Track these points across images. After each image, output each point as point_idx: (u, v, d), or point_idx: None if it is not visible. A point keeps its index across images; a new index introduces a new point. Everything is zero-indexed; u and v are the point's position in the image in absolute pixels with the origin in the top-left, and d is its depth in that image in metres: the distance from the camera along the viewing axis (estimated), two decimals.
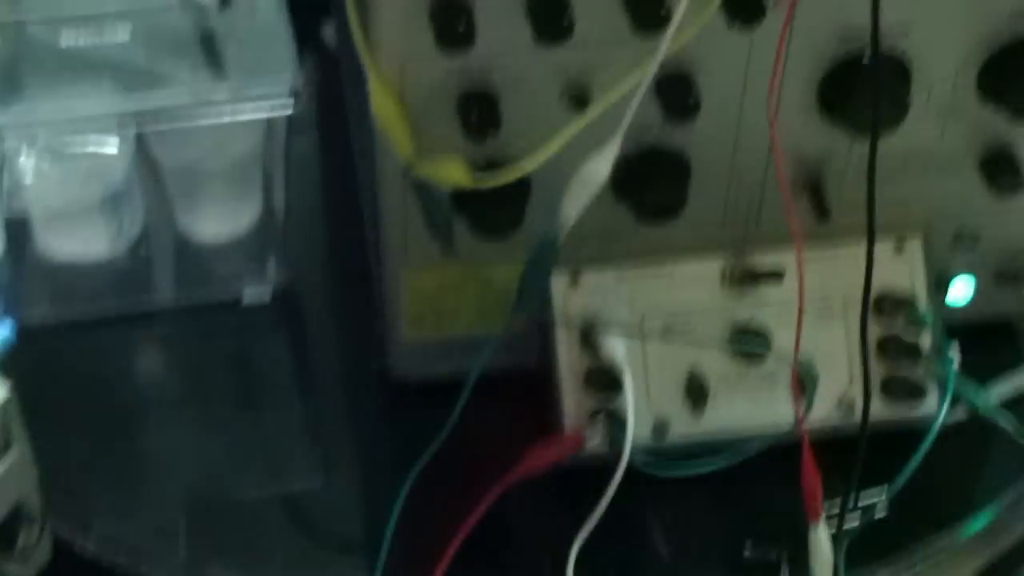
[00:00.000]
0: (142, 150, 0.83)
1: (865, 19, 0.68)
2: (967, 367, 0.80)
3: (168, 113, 0.78)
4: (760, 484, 0.79)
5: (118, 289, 0.88)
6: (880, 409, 0.80)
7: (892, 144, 0.77)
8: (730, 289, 0.80)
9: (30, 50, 0.80)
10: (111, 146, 0.80)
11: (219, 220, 0.88)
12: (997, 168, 0.79)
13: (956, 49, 0.75)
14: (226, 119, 0.79)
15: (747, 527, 0.79)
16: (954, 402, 0.80)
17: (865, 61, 0.74)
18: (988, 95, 0.76)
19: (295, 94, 0.79)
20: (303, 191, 0.94)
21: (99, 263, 0.87)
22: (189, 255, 0.89)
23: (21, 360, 0.71)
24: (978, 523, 0.81)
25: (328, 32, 1.05)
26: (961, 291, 0.86)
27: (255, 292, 0.89)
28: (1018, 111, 0.76)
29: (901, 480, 0.77)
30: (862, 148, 0.74)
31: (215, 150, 0.83)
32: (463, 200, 0.74)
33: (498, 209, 0.74)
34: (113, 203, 0.84)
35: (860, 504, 0.76)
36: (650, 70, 0.68)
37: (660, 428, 0.80)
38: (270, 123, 0.83)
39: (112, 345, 0.88)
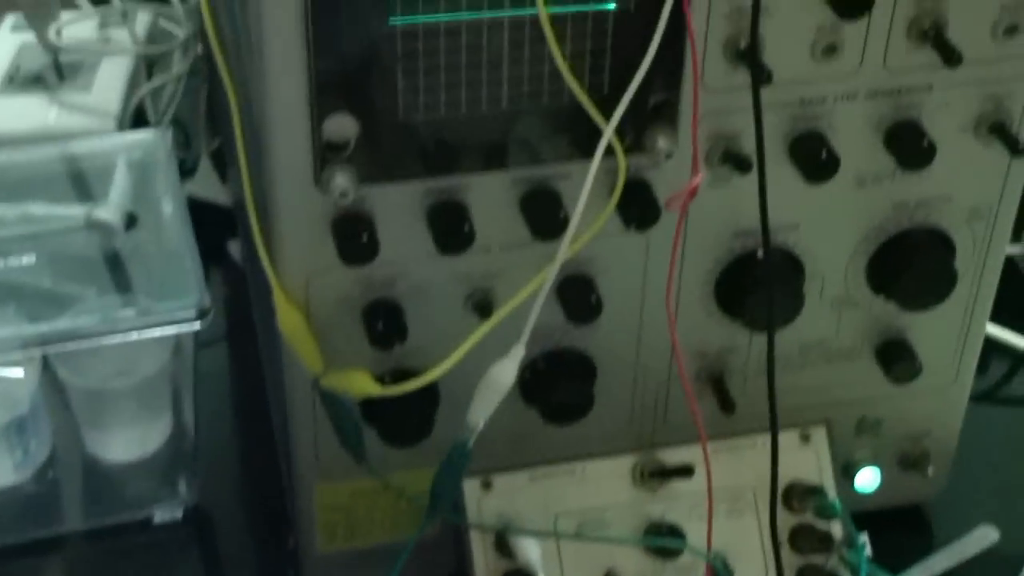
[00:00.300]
0: (48, 372, 0.82)
1: (756, 217, 0.70)
2: (879, 553, 0.81)
3: (74, 335, 0.78)
4: None
5: (25, 516, 0.86)
6: None
7: (790, 336, 0.79)
8: (642, 485, 0.81)
9: None
10: (16, 371, 0.79)
11: (128, 440, 0.87)
12: (893, 356, 0.81)
13: (844, 242, 0.78)
14: (133, 339, 0.79)
15: None
16: None
17: (759, 257, 0.76)
18: (878, 286, 0.79)
19: (202, 312, 0.79)
20: (213, 405, 0.94)
21: (3, 491, 0.85)
22: (98, 477, 0.87)
23: None
24: None
25: (235, 247, 1.06)
26: (868, 478, 0.87)
27: (167, 511, 0.88)
28: (907, 301, 0.78)
29: None
30: (762, 341, 0.76)
31: (123, 370, 0.83)
32: (372, 410, 0.75)
33: (407, 417, 0.75)
34: (18, 428, 0.83)
35: None
36: (550, 275, 0.70)
37: None
38: (178, 340, 0.83)
39: (19, 573, 0.86)
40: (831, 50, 0.71)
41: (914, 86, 0.73)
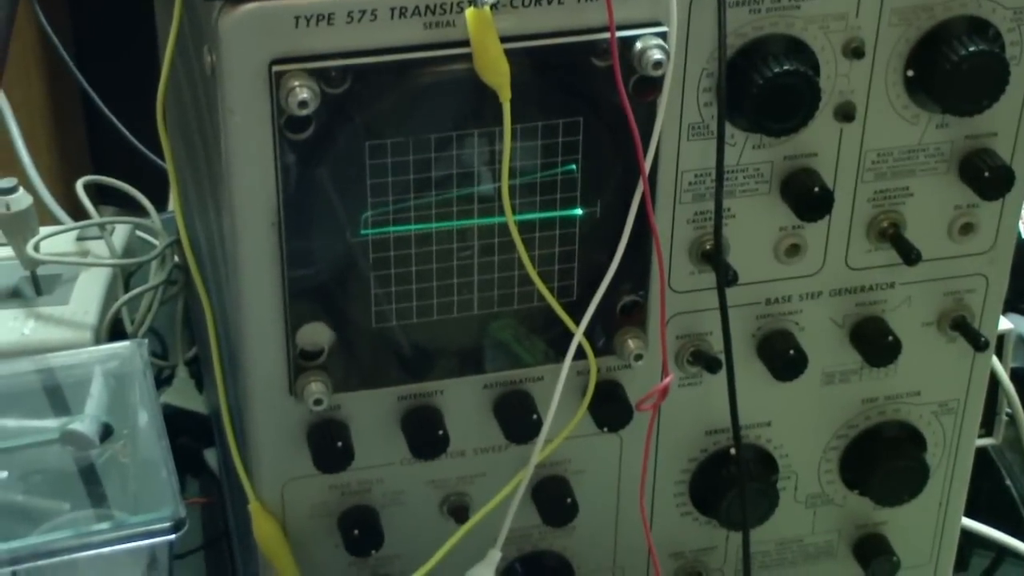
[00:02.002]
0: None
1: (728, 415, 0.71)
2: None
3: (46, 552, 0.77)
4: None
5: None
6: None
7: (766, 534, 0.79)
8: None
9: None
10: None
11: None
12: (870, 552, 0.81)
13: (816, 439, 0.78)
14: (107, 551, 0.78)
15: None
16: None
17: (731, 455, 0.76)
18: (851, 482, 0.79)
19: (178, 524, 0.78)
20: None
21: None
22: None
23: None
24: None
25: (212, 455, 1.06)
26: None
27: None
28: (880, 496, 0.78)
29: None
30: (739, 539, 0.76)
31: None
32: None
33: None
34: None
35: None
36: (524, 478, 0.70)
37: None
38: (153, 552, 0.82)
39: None
40: (794, 251, 0.72)
41: (876, 284, 0.74)
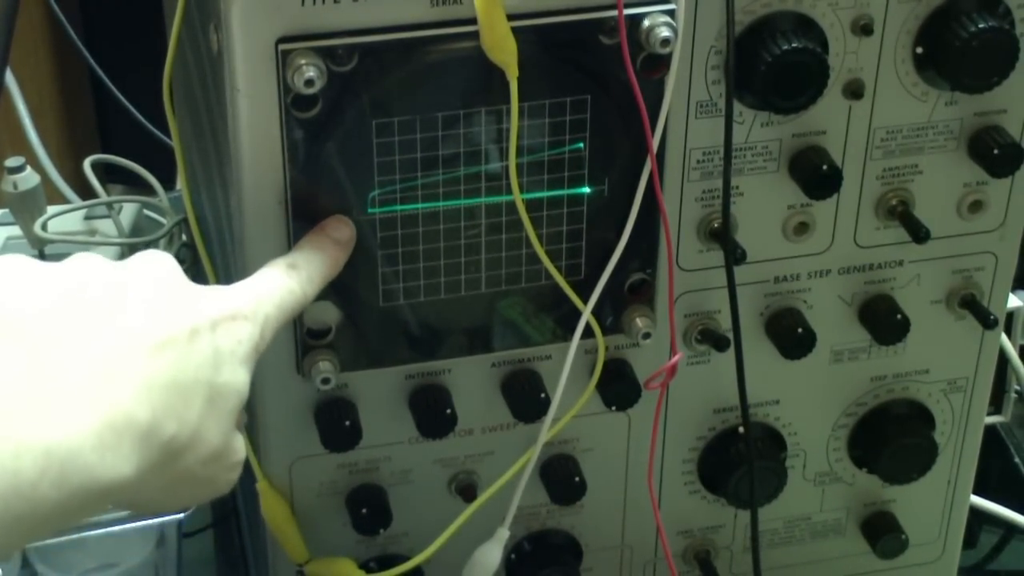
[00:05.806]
0: (27, 567, 0.82)
1: (736, 393, 0.71)
2: None
3: None
4: None
5: None
6: None
7: (775, 512, 0.79)
8: None
9: None
10: None
11: None
12: (878, 530, 0.81)
13: (825, 417, 0.78)
14: (116, 529, 0.78)
15: None
16: None
17: (740, 433, 0.76)
18: (860, 460, 0.79)
19: None
20: None
21: None
22: None
23: None
24: None
25: None
26: None
27: None
28: (889, 474, 0.78)
29: None
30: (747, 517, 0.76)
31: (106, 563, 0.82)
32: None
33: None
34: None
35: None
36: (532, 457, 0.70)
37: None
38: (162, 531, 0.83)
39: None
40: (803, 228, 0.72)
41: (885, 262, 0.74)
